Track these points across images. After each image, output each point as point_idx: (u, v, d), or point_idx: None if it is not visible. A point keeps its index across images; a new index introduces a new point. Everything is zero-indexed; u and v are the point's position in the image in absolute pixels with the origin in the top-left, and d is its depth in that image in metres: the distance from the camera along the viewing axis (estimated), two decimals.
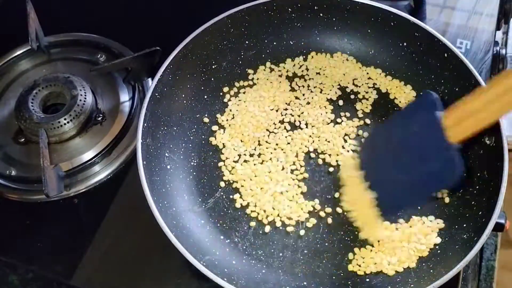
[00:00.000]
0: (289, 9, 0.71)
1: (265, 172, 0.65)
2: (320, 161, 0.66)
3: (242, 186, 0.65)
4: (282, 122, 0.70)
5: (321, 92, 0.71)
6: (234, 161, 0.67)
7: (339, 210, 0.63)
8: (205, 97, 0.71)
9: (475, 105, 0.46)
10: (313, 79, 0.72)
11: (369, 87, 0.71)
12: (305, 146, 0.68)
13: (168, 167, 0.64)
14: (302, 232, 0.62)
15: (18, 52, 0.77)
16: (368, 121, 0.69)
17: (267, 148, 0.67)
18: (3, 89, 0.75)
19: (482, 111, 0.46)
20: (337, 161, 0.66)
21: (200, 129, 0.69)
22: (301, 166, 0.66)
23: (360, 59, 0.73)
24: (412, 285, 0.56)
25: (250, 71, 0.73)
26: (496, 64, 0.75)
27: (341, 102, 0.71)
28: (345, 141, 0.68)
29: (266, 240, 0.62)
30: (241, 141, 0.68)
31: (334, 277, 0.59)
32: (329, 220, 0.63)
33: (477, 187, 0.60)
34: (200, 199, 0.64)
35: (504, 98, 0.45)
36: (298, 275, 0.59)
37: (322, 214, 0.63)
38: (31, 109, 0.68)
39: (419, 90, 0.69)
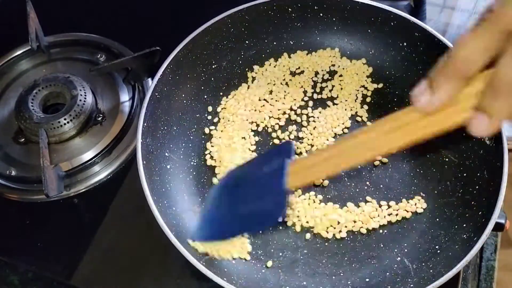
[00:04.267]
0: (289, 9, 0.71)
1: None
2: None
3: None
4: (280, 120, 0.70)
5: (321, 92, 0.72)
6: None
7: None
8: (205, 97, 0.71)
9: (315, 159, 0.49)
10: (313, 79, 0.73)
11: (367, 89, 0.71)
12: (304, 147, 0.68)
13: (168, 167, 0.64)
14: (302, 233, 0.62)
15: (18, 52, 0.77)
16: (365, 120, 0.69)
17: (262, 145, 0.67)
18: (3, 89, 0.75)
19: (318, 166, 0.48)
20: None
21: (200, 128, 0.69)
22: None
23: (360, 59, 0.73)
24: (412, 285, 0.56)
25: (255, 66, 0.73)
26: None
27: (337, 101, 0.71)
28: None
29: (266, 239, 0.62)
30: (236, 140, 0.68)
31: (334, 277, 0.59)
32: None
33: (477, 187, 0.60)
34: (200, 199, 0.64)
35: (332, 160, 0.47)
36: (298, 275, 0.59)
37: None
38: (31, 109, 0.68)
39: None
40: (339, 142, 0.48)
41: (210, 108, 0.70)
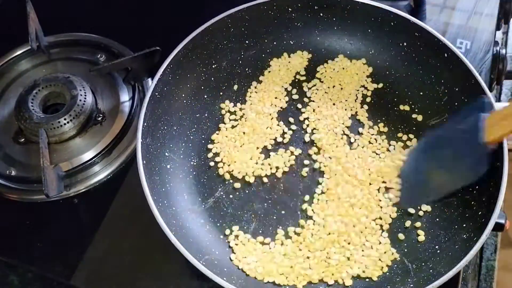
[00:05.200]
0: (289, 9, 0.71)
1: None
2: (316, 165, 0.67)
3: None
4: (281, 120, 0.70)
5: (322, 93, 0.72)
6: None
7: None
8: (205, 96, 0.71)
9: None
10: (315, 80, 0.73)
11: (368, 89, 0.71)
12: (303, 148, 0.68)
13: (168, 166, 0.64)
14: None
15: (18, 52, 0.77)
16: (366, 120, 0.69)
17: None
18: (3, 89, 0.75)
19: None
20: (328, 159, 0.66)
21: (200, 128, 0.69)
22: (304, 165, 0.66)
23: (360, 59, 0.73)
24: (411, 285, 0.56)
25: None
26: (496, 64, 0.74)
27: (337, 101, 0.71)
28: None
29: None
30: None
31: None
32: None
33: (477, 187, 0.60)
34: (200, 199, 0.64)
35: None
36: None
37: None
38: (31, 109, 0.68)
39: (419, 90, 0.69)
40: None
41: (211, 107, 0.70)
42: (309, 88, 0.72)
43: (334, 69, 0.73)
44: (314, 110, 0.70)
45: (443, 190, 0.58)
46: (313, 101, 0.71)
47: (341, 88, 0.72)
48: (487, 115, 0.50)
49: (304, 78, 0.73)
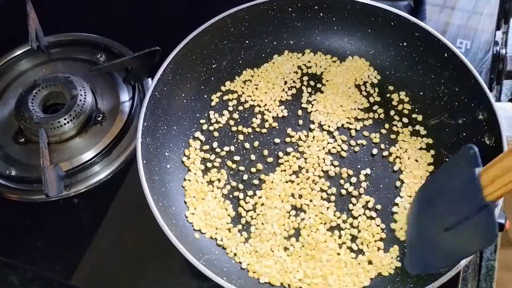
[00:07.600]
0: (289, 9, 0.71)
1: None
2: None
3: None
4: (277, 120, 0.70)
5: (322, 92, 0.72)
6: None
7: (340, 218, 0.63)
8: (205, 96, 0.71)
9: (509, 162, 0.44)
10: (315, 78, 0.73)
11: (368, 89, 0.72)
12: (303, 149, 0.68)
13: (168, 166, 0.64)
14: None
15: (18, 52, 0.77)
16: (365, 119, 0.69)
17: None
18: (3, 89, 0.75)
19: None
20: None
21: (200, 128, 0.69)
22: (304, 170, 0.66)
23: (360, 59, 0.73)
24: (411, 285, 0.56)
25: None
26: (496, 64, 0.75)
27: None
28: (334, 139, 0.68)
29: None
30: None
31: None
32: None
33: None
34: None
35: None
36: None
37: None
38: (31, 109, 0.68)
39: (419, 90, 0.69)
40: None
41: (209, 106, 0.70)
42: (308, 88, 0.72)
43: (334, 69, 0.73)
44: (312, 111, 0.70)
45: (456, 255, 0.51)
46: (313, 101, 0.71)
47: (341, 88, 0.72)
48: (480, 170, 0.45)
49: (303, 78, 0.73)
